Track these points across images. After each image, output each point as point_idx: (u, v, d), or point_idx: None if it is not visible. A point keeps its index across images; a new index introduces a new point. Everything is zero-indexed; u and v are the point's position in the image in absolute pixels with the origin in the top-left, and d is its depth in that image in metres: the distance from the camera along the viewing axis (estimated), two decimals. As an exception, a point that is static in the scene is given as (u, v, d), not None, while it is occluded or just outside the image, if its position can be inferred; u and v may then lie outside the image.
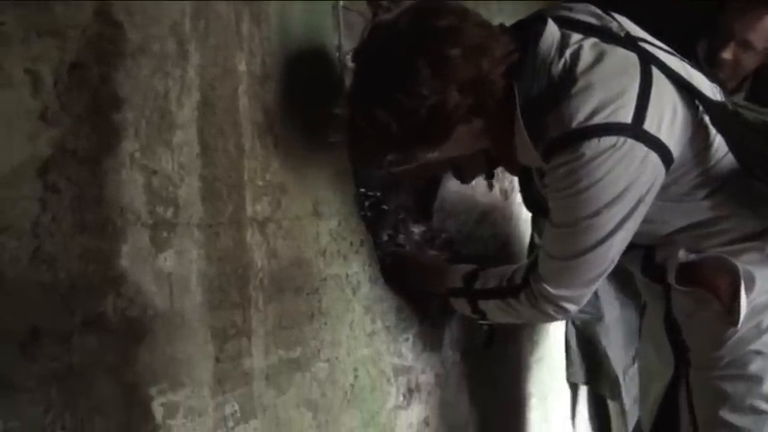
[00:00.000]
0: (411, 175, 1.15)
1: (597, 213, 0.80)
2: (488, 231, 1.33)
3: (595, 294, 1.15)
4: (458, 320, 1.16)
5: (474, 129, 0.84)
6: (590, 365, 1.45)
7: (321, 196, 0.89)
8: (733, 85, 1.31)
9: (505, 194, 1.39)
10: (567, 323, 1.46)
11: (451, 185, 1.34)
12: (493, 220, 1.34)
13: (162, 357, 0.66)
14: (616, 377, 1.39)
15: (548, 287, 0.88)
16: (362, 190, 1.22)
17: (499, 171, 1.37)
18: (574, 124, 0.77)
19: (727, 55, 1.27)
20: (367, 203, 1.24)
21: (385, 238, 1.23)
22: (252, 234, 0.78)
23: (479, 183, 1.36)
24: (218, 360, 0.72)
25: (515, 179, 1.36)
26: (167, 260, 0.67)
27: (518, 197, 1.32)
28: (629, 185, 0.79)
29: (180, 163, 0.69)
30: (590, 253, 0.83)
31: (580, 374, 1.46)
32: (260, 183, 0.79)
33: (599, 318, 1.36)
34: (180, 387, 0.68)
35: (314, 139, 0.87)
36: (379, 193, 1.25)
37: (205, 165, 0.72)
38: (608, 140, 0.77)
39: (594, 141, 0.77)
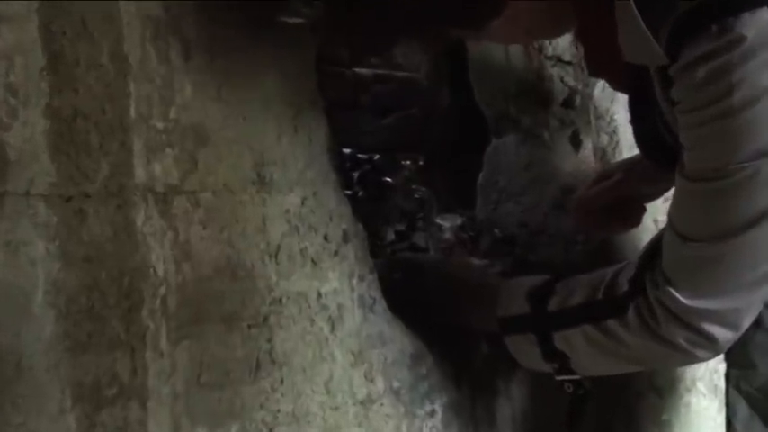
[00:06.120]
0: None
1: None
2: (576, 224, 1.33)
3: None
4: (523, 379, 1.16)
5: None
6: None
7: (269, 150, 0.89)
8: None
9: (603, 156, 1.39)
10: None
11: (508, 143, 1.34)
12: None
13: (-23, 435, 0.66)
14: None
15: (678, 294, 0.88)
16: (348, 150, 1.22)
17: (592, 117, 1.38)
18: None
19: None
20: (356, 174, 1.24)
21: (391, 236, 1.26)
22: (146, 216, 0.77)
23: (558, 137, 1.35)
24: (84, 441, 0.72)
25: (620, 130, 1.38)
26: (-13, 259, 0.68)
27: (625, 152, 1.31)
28: None
29: (8, 84, 0.69)
30: (756, 229, 0.83)
31: None
32: (158, 124, 0.79)
33: None
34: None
35: (255, 44, 0.87)
36: (377, 156, 1.25)
37: (56, 89, 0.72)
38: None
39: (762, 15, 0.78)
